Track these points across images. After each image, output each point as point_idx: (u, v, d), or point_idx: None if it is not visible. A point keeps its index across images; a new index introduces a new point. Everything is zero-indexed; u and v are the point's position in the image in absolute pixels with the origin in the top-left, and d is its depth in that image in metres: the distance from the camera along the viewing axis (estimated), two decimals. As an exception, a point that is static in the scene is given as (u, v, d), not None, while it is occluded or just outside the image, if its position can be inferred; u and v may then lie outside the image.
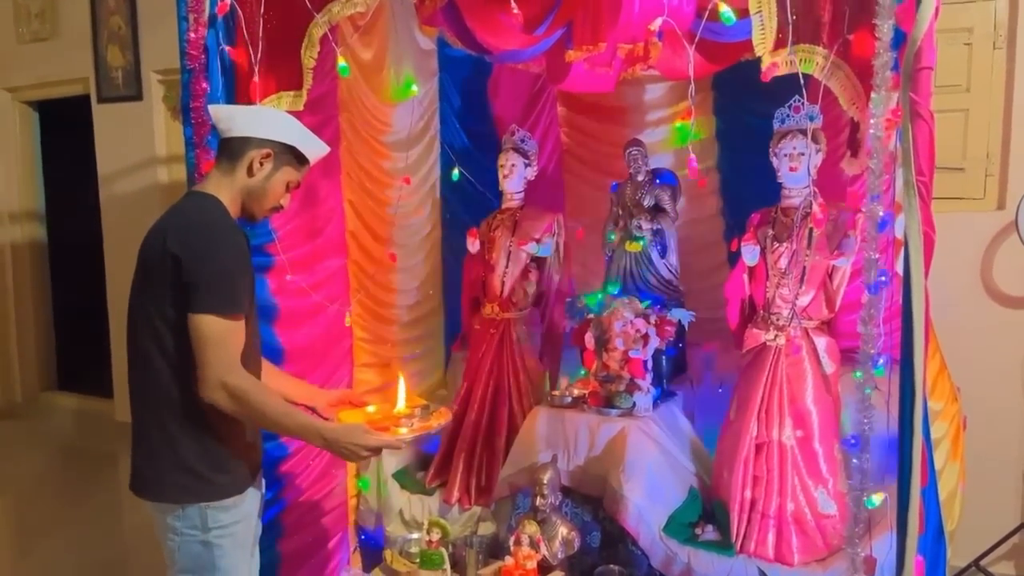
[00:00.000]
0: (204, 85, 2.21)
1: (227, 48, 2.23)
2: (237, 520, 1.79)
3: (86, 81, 5.00)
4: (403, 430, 1.87)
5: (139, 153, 4.83)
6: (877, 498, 1.77)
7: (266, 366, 1.97)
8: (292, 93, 2.34)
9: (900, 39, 1.63)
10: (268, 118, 1.86)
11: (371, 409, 2.02)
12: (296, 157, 1.84)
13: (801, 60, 1.75)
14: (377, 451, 1.83)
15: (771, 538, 2.42)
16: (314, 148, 1.88)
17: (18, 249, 5.66)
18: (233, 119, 1.81)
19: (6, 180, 5.59)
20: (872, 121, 1.56)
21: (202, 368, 1.66)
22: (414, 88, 2.98)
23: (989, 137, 3.08)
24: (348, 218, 2.97)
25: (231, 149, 1.80)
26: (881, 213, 1.58)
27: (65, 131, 5.49)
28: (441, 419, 1.97)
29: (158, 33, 4.53)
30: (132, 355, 1.76)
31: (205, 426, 1.73)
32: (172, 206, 1.83)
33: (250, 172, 1.79)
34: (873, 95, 1.57)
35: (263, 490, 1.96)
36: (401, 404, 2.00)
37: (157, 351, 1.71)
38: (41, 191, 5.75)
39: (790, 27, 1.71)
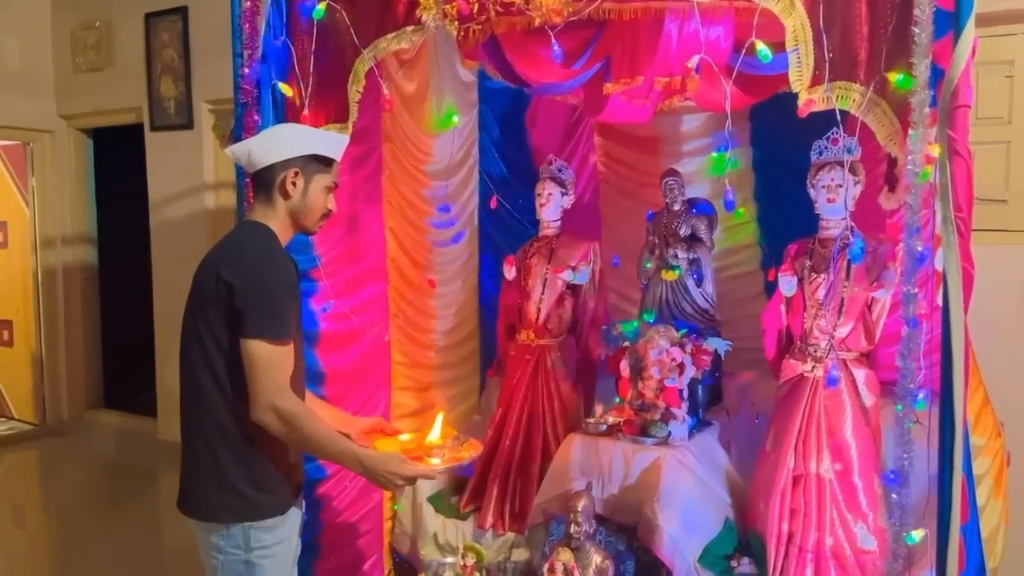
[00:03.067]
0: (256, 118, 2.30)
1: (279, 83, 2.32)
2: (279, 540, 1.83)
3: (139, 110, 5.20)
4: (435, 460, 1.89)
5: (188, 180, 4.99)
6: (917, 534, 1.75)
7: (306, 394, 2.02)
8: (339, 125, 2.42)
9: (938, 76, 1.64)
10: (280, 139, 1.89)
11: (404, 438, 2.04)
12: (321, 161, 1.88)
13: (838, 97, 1.76)
14: (412, 480, 1.86)
15: (809, 573, 2.39)
16: (335, 146, 1.92)
17: (69, 271, 5.85)
18: (251, 153, 1.86)
19: (60, 204, 5.80)
20: (910, 158, 1.57)
21: (253, 391, 1.72)
22: (455, 119, 3.06)
23: (1032, 169, 3.05)
24: (389, 245, 3.04)
25: (262, 180, 1.86)
26: (920, 248, 1.58)
27: (118, 158, 5.70)
28: (472, 450, 1.98)
29: (209, 65, 4.71)
30: (184, 377, 1.83)
31: (251, 448, 1.79)
32: (225, 236, 1.90)
33: (286, 195, 1.85)
34: (911, 132, 1.59)
35: (303, 511, 2.01)
36: (435, 435, 2.01)
37: (208, 374, 1.77)
38: (93, 215, 5.94)
39: (827, 64, 1.74)
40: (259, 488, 1.80)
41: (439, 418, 2.05)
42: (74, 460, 5.40)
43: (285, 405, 1.72)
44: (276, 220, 1.87)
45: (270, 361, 1.72)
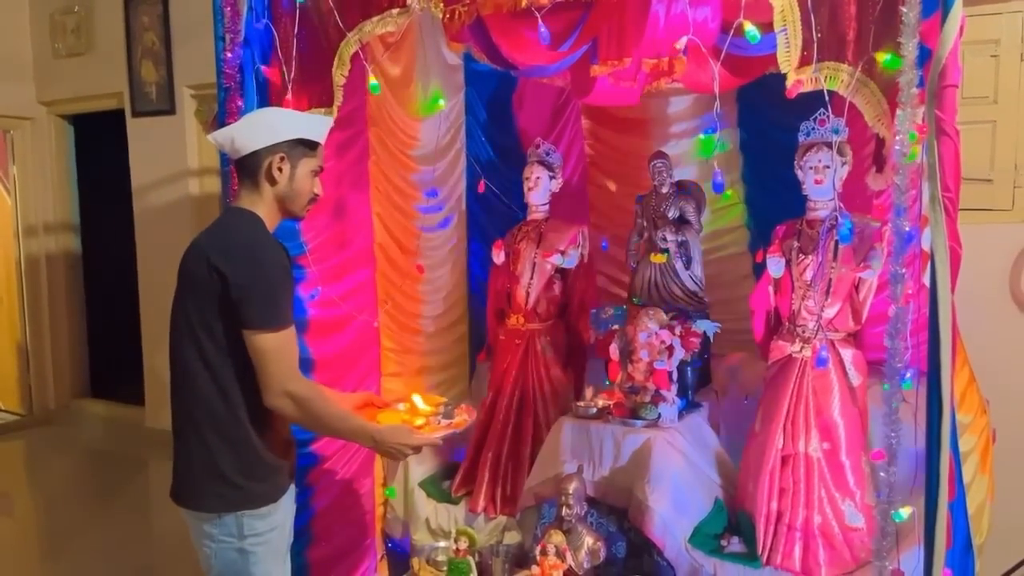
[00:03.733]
0: (239, 103, 2.27)
1: (262, 67, 2.29)
2: (272, 528, 1.84)
3: (120, 95, 5.13)
4: (428, 429, 1.98)
5: (171, 166, 4.93)
6: (905, 511, 1.77)
7: None
8: (323, 110, 2.39)
9: (925, 56, 1.64)
10: (263, 124, 1.87)
11: (402, 407, 2.12)
12: (307, 145, 1.86)
13: (826, 77, 1.76)
14: (419, 449, 1.94)
15: (798, 551, 2.42)
16: (319, 129, 1.90)
17: (53, 259, 5.79)
18: (234, 140, 1.84)
19: (42, 192, 5.73)
20: (898, 137, 1.57)
21: (264, 380, 1.74)
22: (441, 103, 3.03)
23: (1017, 149, 3.06)
24: (376, 230, 3.02)
25: (246, 167, 1.84)
26: (907, 228, 1.59)
27: (99, 144, 5.63)
28: (466, 415, 2.06)
29: (191, 49, 4.65)
30: (174, 366, 1.82)
31: (243, 436, 1.78)
32: (214, 222, 1.88)
33: (272, 180, 1.83)
34: (898, 112, 1.59)
35: (295, 499, 2.01)
36: (422, 405, 2.11)
37: (199, 363, 1.76)
38: (76, 203, 5.89)
39: (815, 44, 1.73)
40: (251, 477, 1.81)
41: (417, 399, 2.11)
42: (62, 450, 5.37)
43: (297, 389, 1.75)
44: (263, 206, 1.85)
45: (277, 349, 1.73)
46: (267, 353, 1.72)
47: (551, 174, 3.13)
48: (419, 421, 2.01)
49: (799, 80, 1.73)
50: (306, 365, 2.59)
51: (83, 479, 4.91)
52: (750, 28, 1.75)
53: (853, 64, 1.75)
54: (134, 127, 5.10)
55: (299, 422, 1.81)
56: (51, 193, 5.75)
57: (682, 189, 3.12)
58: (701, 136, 3.12)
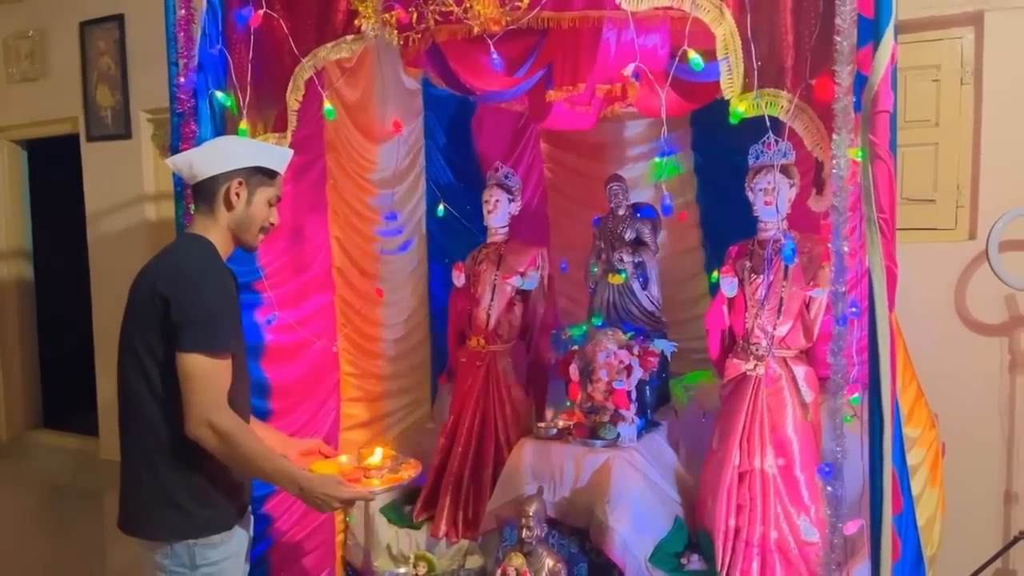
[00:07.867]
0: (193, 127, 2.26)
1: (216, 92, 2.29)
2: (225, 557, 1.80)
3: (75, 120, 5.05)
4: (375, 481, 1.92)
5: (127, 191, 4.86)
6: (854, 526, 1.81)
7: None
8: (277, 135, 2.39)
9: (863, 82, 1.71)
10: (223, 150, 1.88)
11: (344, 460, 2.05)
12: (265, 174, 1.86)
13: (767, 103, 1.82)
14: (349, 503, 1.86)
15: (755, 567, 2.44)
16: (279, 158, 1.90)
17: (5, 287, 5.65)
18: (192, 164, 1.83)
19: (-6, 218, 5.62)
20: (834, 161, 1.63)
21: (188, 405, 1.68)
22: None
23: (959, 169, 3.17)
24: (335, 254, 3.02)
25: (203, 192, 1.84)
26: (846, 248, 1.64)
27: (53, 169, 5.54)
28: (410, 470, 2.01)
29: (147, 73, 4.60)
30: (121, 393, 1.79)
31: (193, 463, 1.75)
32: (163, 248, 1.86)
33: (229, 206, 1.83)
34: (834, 136, 1.65)
35: (251, 527, 1.98)
36: (376, 457, 2.04)
37: (145, 389, 1.73)
38: (29, 229, 5.77)
39: (756, 72, 1.79)
40: (203, 503, 1.77)
41: (379, 450, 2.06)
42: (14, 482, 5.21)
43: (220, 421, 1.69)
44: (217, 232, 1.84)
45: (206, 375, 1.69)
46: (195, 378, 1.67)
47: (510, 197, 3.15)
48: (362, 471, 1.95)
49: (741, 106, 1.79)
50: (263, 391, 2.56)
51: (36, 512, 4.76)
52: (694, 56, 1.81)
53: (791, 91, 1.81)
54: (89, 152, 5.03)
55: (221, 457, 1.72)
56: (3, 219, 5.63)
57: (638, 211, 3.17)
58: (656, 159, 3.19)
